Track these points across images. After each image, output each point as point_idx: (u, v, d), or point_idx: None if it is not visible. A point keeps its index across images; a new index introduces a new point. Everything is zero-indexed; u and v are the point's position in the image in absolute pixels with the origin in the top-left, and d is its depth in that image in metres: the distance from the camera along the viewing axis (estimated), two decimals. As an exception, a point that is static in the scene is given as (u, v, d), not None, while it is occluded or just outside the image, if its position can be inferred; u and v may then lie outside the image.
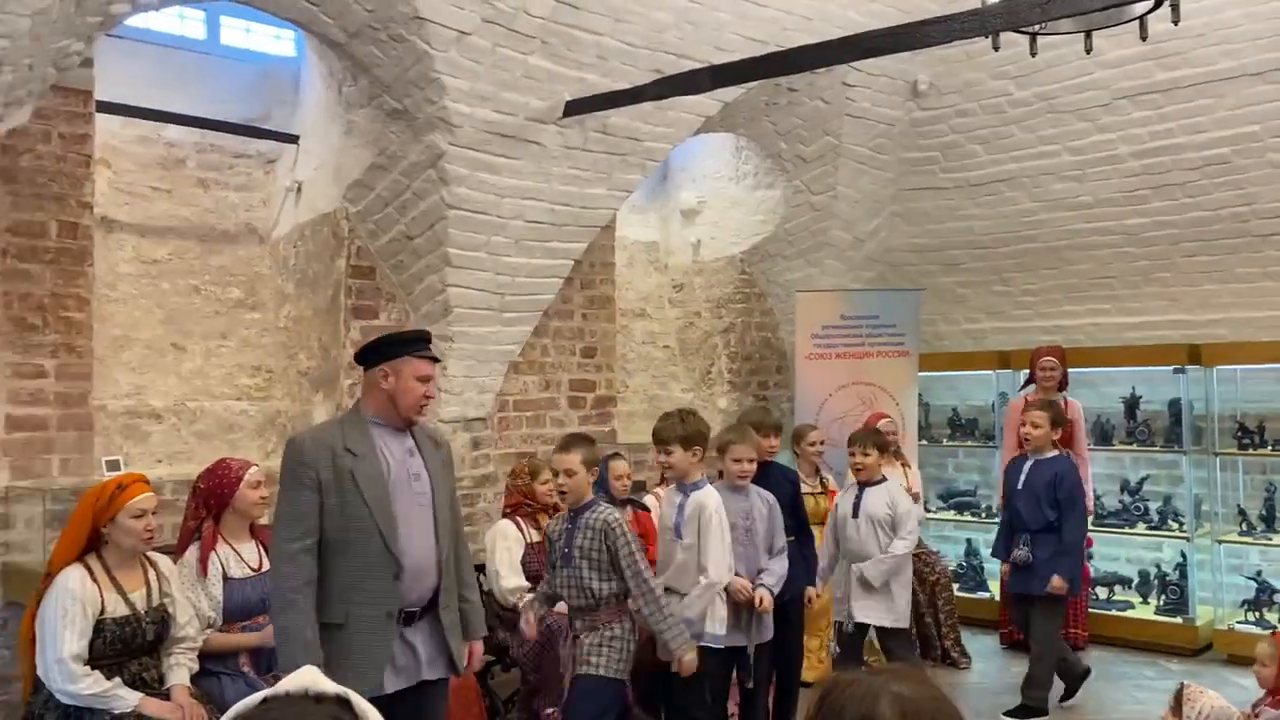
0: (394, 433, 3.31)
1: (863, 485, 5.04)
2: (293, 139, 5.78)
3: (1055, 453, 5.40)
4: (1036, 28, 3.90)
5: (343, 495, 3.13)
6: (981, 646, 6.55)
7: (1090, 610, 6.61)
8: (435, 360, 3.40)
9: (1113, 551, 7.18)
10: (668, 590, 4.07)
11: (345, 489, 3.13)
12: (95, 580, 3.38)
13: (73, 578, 3.40)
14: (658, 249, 7.96)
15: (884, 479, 5.09)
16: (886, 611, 4.94)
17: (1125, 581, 6.93)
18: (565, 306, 6.37)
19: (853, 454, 5.06)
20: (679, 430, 4.19)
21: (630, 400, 7.40)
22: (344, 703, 1.13)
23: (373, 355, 3.30)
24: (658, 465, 4.66)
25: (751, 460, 4.40)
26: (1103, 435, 7.10)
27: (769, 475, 4.75)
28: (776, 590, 4.34)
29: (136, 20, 4.77)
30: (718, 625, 4.12)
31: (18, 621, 3.93)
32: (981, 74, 6.62)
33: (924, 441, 7.56)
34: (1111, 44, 5.74)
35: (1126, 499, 7.03)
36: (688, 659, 3.86)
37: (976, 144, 6.96)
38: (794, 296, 7.28)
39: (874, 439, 5.11)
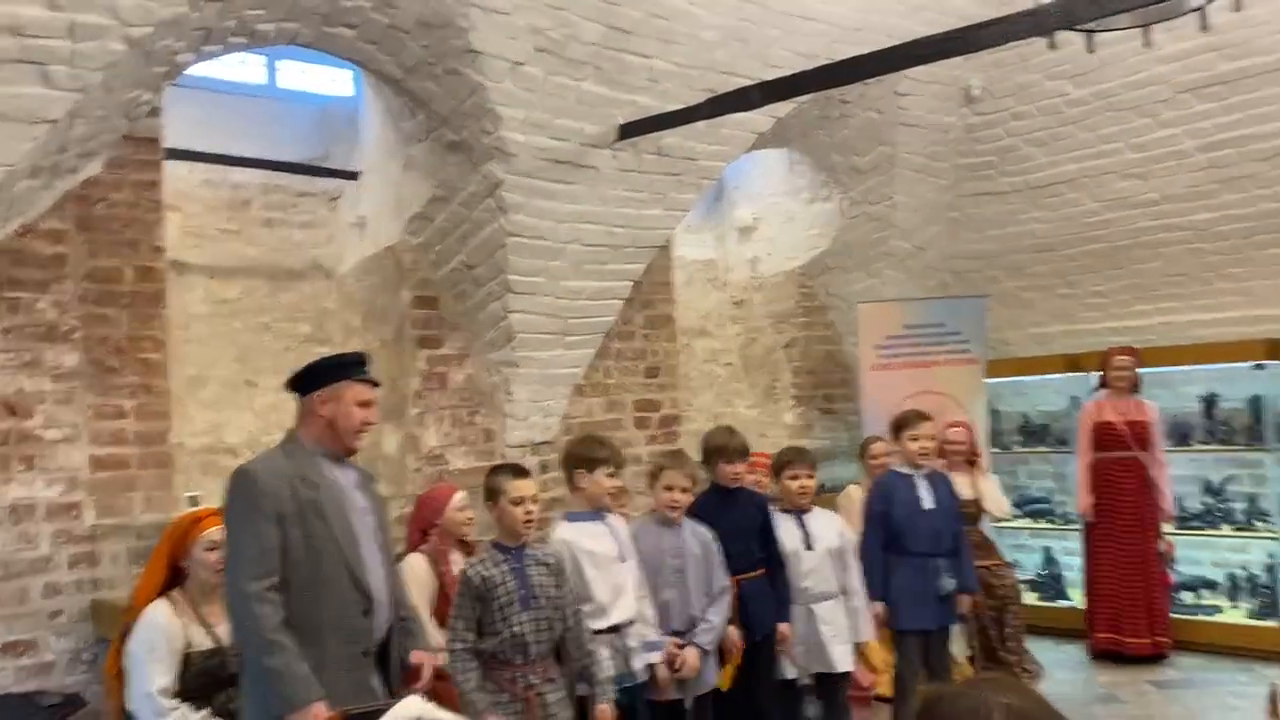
0: (336, 463, 3.13)
1: (799, 513, 4.52)
2: (353, 176, 5.90)
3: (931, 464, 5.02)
4: (1092, 25, 3.85)
5: (306, 528, 2.92)
6: (1066, 657, 6.40)
7: (1174, 616, 6.42)
8: (375, 384, 3.19)
9: (1197, 555, 6.97)
10: (630, 624, 3.78)
11: (309, 522, 2.93)
12: (179, 614, 3.44)
13: (159, 612, 3.47)
14: (716, 267, 7.96)
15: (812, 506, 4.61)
16: (848, 654, 4.50)
17: (1211, 585, 6.73)
18: (626, 328, 6.39)
19: (795, 476, 4.49)
20: (620, 455, 4.00)
21: (695, 419, 7.37)
22: None
23: (308, 381, 3.09)
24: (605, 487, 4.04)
25: (685, 490, 4.02)
26: (1180, 436, 6.92)
27: (736, 501, 4.39)
28: (712, 646, 4.00)
29: (199, 68, 4.91)
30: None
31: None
32: (1036, 75, 6.54)
33: (995, 449, 7.43)
34: (1170, 37, 5.61)
35: (1209, 500, 6.84)
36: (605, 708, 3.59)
37: (1034, 146, 6.87)
38: (856, 308, 7.22)
39: (811, 458, 4.61)
